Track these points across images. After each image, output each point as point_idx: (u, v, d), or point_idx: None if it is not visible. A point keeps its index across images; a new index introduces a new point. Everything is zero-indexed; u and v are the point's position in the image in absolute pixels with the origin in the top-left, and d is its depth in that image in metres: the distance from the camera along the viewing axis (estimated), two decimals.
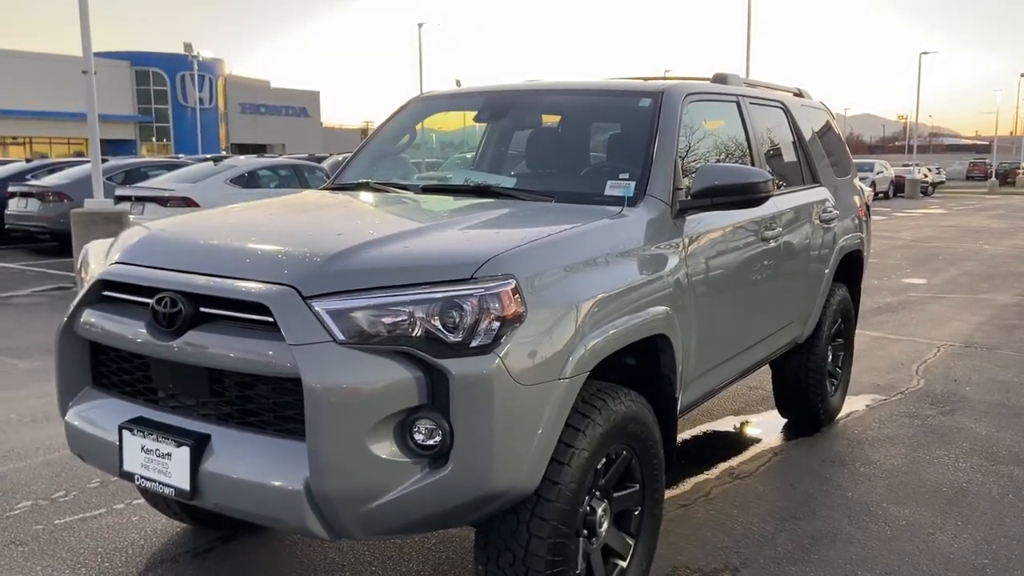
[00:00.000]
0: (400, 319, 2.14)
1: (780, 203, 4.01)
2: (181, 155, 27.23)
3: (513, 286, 2.21)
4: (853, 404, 5.31)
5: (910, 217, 23.89)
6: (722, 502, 3.81)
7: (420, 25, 38.50)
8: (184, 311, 2.28)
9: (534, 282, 2.29)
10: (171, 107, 56.35)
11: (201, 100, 56.20)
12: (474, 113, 4.04)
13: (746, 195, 3.06)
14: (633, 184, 3.06)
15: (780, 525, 3.57)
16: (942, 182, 48.52)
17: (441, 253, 2.37)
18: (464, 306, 2.15)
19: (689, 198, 3.08)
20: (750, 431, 4.89)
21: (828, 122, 5.29)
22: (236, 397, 2.29)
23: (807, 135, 4.71)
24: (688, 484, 4.01)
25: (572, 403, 2.36)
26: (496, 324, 2.17)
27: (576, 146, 3.57)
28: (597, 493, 2.58)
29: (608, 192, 3.07)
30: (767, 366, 4.62)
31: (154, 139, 55.45)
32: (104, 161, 13.84)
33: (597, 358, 2.42)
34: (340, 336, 2.13)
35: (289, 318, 2.13)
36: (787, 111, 4.58)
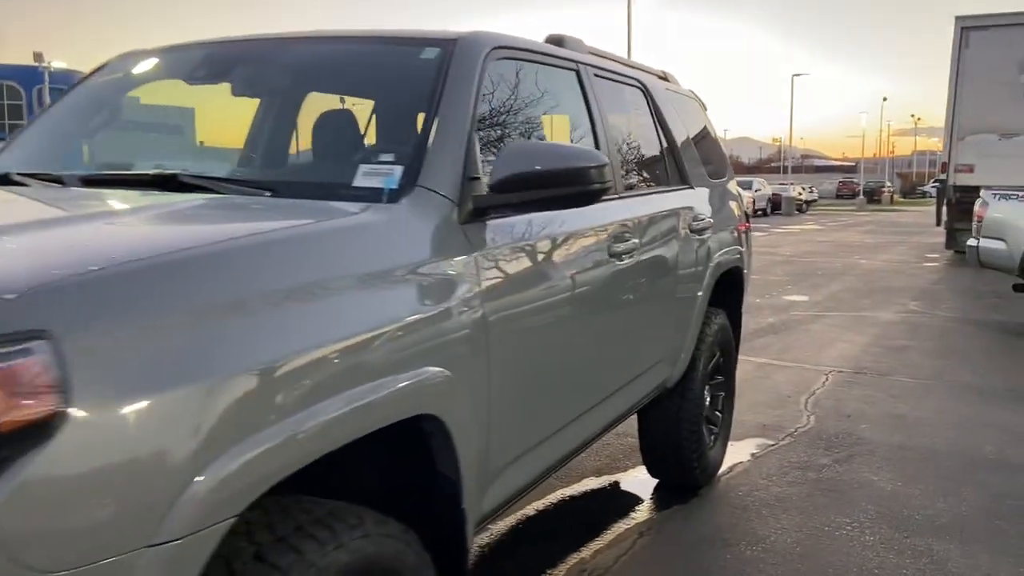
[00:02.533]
0: None
1: (636, 207, 3.02)
2: None
3: (46, 356, 1.06)
4: (736, 452, 4.39)
5: (788, 233, 24.02)
6: None
7: None
8: None
9: (107, 342, 1.14)
10: (27, 122, 52.15)
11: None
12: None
13: (570, 186, 2.03)
14: (399, 170, 1.97)
15: None
16: (815, 200, 50.20)
17: None
18: None
19: (489, 192, 2.02)
20: (613, 500, 3.87)
21: (700, 113, 4.39)
22: None
23: (673, 126, 3.77)
24: None
25: None
26: None
27: (328, 118, 2.45)
28: None
29: (359, 182, 1.97)
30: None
31: None
32: None
33: (266, 482, 1.30)
34: None
35: None
36: (647, 93, 3.62)
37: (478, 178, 2.04)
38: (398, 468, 1.85)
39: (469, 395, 1.84)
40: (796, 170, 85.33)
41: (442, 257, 1.86)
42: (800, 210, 40.51)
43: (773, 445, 4.57)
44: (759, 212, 35.04)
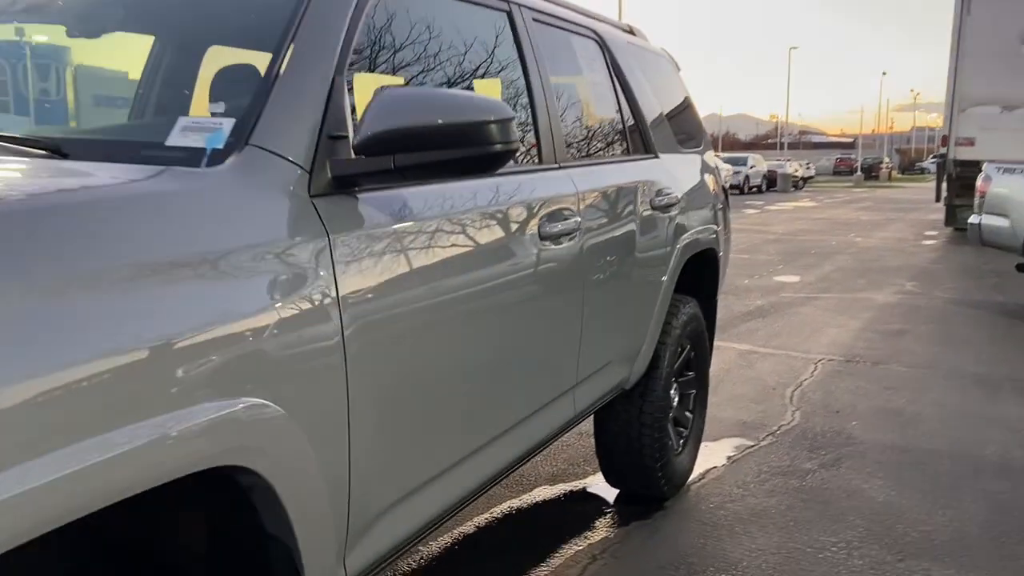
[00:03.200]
0: None
1: (582, 180, 2.53)
2: None
3: None
4: (711, 455, 3.94)
5: (782, 210, 23.52)
6: None
7: None
8: None
9: None
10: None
11: (46, 91, 51.35)
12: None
13: (463, 148, 1.54)
14: (228, 125, 1.48)
15: None
16: (812, 177, 49.65)
17: None
18: None
19: (354, 155, 1.53)
20: (566, 513, 3.41)
21: (672, 74, 3.89)
22: None
23: (636, 86, 3.27)
24: None
25: None
26: None
27: (162, 62, 1.95)
28: None
29: (175, 140, 1.47)
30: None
31: None
32: None
33: None
34: None
35: None
36: (604, 46, 3.12)
37: (346, 137, 1.56)
38: (220, 526, 1.38)
39: (313, 434, 1.36)
40: (793, 146, 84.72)
41: (277, 243, 1.37)
42: (796, 187, 40.04)
43: (752, 446, 4.11)
44: (754, 189, 34.54)
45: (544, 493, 3.56)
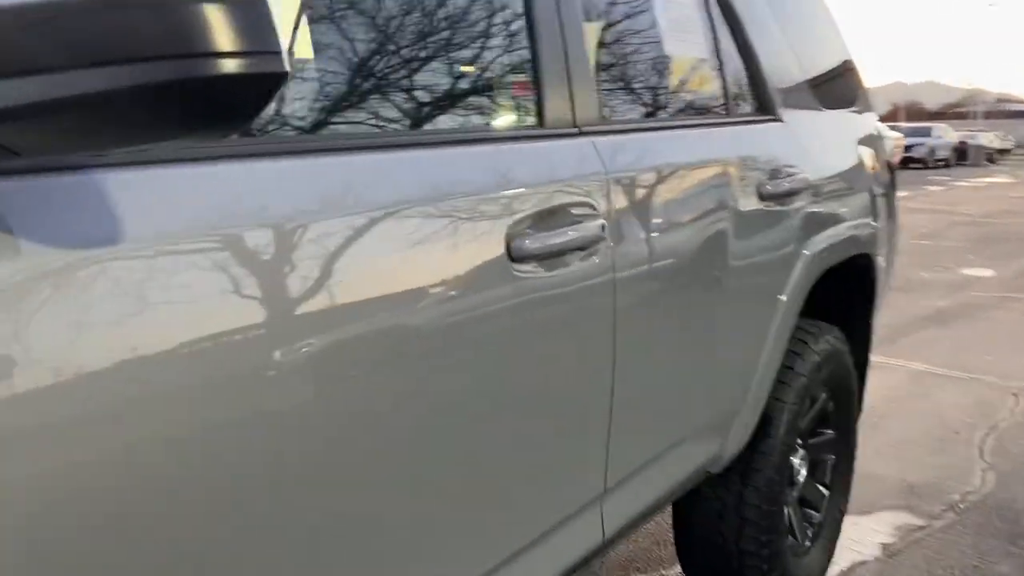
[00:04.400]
0: None
1: (617, 154, 1.52)
2: None
3: None
4: (858, 540, 2.81)
5: (974, 188, 20.73)
6: None
7: None
8: None
9: None
10: None
11: None
12: None
13: (131, 65, 0.60)
14: None
15: None
16: (1009, 149, 44.50)
17: None
18: None
19: None
20: None
21: None
22: None
23: (746, 8, 2.19)
24: None
25: None
26: None
27: None
28: None
29: None
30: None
31: None
32: None
33: None
34: None
35: None
36: None
37: None
38: None
39: None
40: (989, 116, 76.76)
41: None
42: (991, 160, 35.89)
43: (923, 528, 2.92)
44: (940, 163, 31.09)
45: None
